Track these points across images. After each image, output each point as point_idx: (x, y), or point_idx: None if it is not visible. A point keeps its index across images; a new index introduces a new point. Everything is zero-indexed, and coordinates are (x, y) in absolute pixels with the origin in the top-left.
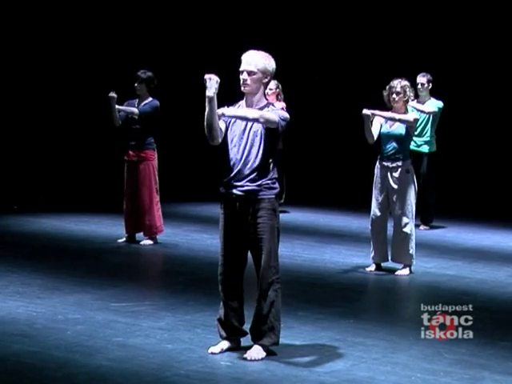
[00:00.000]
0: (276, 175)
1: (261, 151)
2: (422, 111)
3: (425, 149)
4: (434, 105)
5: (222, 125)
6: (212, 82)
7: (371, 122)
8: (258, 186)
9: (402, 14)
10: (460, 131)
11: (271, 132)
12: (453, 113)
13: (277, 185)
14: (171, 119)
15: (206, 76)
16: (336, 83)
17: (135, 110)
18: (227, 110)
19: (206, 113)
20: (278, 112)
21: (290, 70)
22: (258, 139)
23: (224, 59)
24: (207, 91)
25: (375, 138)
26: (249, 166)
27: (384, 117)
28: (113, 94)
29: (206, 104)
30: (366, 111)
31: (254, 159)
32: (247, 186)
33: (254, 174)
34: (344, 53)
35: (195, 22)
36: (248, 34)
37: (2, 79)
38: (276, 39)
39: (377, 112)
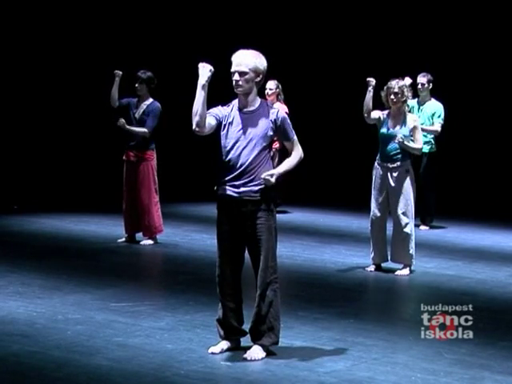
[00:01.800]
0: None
1: (258, 154)
2: (432, 131)
3: (424, 149)
4: (436, 111)
5: (211, 120)
6: (205, 70)
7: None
8: (254, 187)
9: (402, 14)
10: (460, 131)
11: (271, 139)
12: (453, 113)
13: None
14: (171, 119)
15: (200, 64)
16: (336, 83)
17: (146, 131)
18: (276, 172)
19: (195, 99)
20: (289, 132)
21: (290, 69)
22: (254, 142)
23: (224, 59)
24: (200, 78)
25: (371, 118)
26: (246, 168)
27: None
28: (118, 71)
29: (197, 91)
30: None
31: (252, 161)
32: (244, 187)
33: (252, 176)
34: (344, 53)
35: (194, 21)
36: (247, 33)
37: (2, 80)
38: (275, 39)
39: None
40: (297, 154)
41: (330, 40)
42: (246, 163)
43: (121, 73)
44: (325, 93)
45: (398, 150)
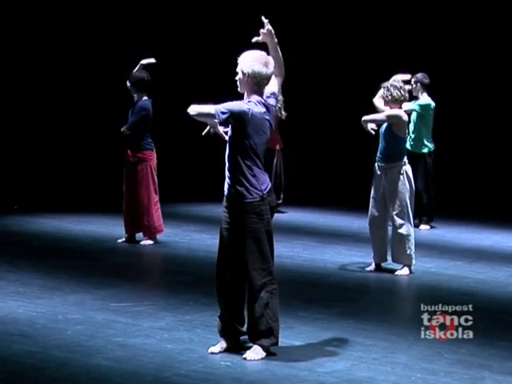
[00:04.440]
0: (252, 176)
1: (232, 151)
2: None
3: (417, 149)
4: (415, 103)
5: None
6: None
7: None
8: (237, 187)
9: (401, 14)
10: (459, 131)
11: (232, 129)
12: (452, 112)
13: (258, 187)
14: (171, 119)
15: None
16: (336, 83)
17: (125, 130)
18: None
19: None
20: (224, 104)
21: (290, 69)
22: (229, 139)
23: (223, 58)
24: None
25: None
26: (229, 167)
27: (366, 120)
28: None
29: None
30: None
31: (231, 162)
32: (230, 186)
33: (231, 175)
34: (343, 53)
35: (195, 20)
36: (247, 33)
37: (2, 80)
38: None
39: (367, 118)
40: (203, 107)
41: (330, 41)
42: (229, 163)
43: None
44: (325, 93)
45: (388, 149)
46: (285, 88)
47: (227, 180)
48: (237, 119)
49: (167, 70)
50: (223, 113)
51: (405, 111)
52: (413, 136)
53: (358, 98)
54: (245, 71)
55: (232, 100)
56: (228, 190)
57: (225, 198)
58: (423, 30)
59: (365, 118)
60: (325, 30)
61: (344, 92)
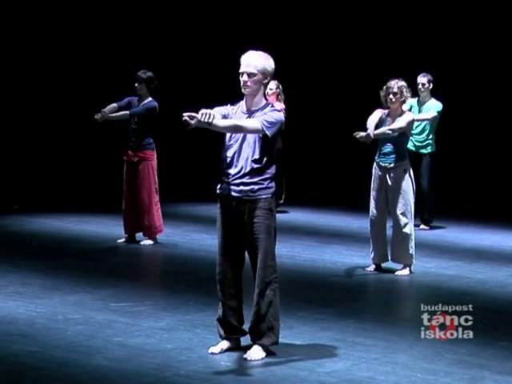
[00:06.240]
0: (272, 174)
1: (256, 150)
2: (425, 119)
3: (423, 149)
4: (434, 107)
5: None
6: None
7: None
8: (253, 185)
9: (402, 14)
10: (460, 131)
11: (269, 138)
12: (453, 113)
13: (273, 184)
14: (171, 119)
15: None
16: (336, 83)
17: (126, 113)
18: (218, 121)
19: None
20: (265, 117)
21: (290, 70)
22: (253, 138)
23: (223, 58)
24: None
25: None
26: (244, 165)
27: (378, 134)
28: (99, 116)
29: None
30: (361, 134)
31: (250, 158)
32: (243, 186)
33: (250, 173)
34: (344, 53)
35: (195, 21)
36: (247, 33)
37: (2, 80)
38: (276, 39)
39: (371, 132)
40: (251, 122)
41: (331, 40)
42: (246, 162)
43: (102, 116)
44: (325, 93)
45: (394, 150)
46: (285, 87)
47: (241, 179)
48: (279, 129)
49: (167, 70)
50: (274, 126)
51: (430, 119)
52: (426, 137)
53: (358, 97)
54: (268, 72)
55: (231, 101)
56: (239, 190)
57: (228, 199)
58: (424, 30)
59: (393, 128)
60: (328, 30)
61: (344, 92)
